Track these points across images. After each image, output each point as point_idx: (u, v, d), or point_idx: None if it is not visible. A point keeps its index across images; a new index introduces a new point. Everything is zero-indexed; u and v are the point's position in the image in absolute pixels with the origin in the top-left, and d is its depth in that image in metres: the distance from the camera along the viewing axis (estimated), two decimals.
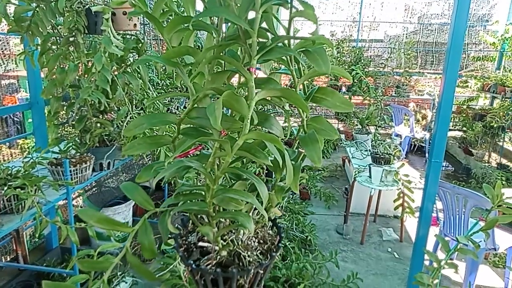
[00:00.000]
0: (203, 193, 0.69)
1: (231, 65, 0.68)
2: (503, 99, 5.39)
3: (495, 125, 5.17)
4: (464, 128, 6.16)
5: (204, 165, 0.65)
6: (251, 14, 0.63)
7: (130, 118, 2.23)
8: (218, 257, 0.68)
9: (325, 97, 0.71)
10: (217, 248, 0.69)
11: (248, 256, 0.68)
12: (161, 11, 0.75)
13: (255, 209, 0.80)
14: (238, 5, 0.61)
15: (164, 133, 1.79)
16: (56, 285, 0.58)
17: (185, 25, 0.69)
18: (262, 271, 0.68)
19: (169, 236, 0.69)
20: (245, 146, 0.62)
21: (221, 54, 0.68)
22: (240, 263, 0.68)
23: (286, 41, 0.66)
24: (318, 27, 0.66)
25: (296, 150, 0.77)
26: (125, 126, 2.22)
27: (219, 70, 0.72)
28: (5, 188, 1.69)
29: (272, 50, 0.62)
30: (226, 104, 0.60)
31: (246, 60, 0.66)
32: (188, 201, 0.69)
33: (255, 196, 0.71)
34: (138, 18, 2.14)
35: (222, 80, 0.69)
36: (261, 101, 0.72)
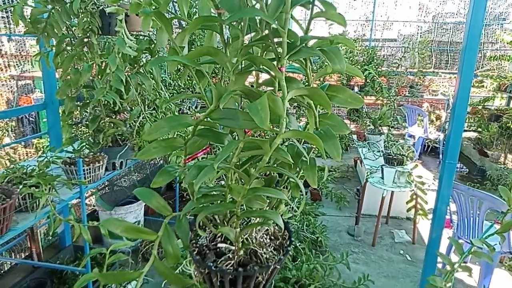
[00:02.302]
0: (223, 194, 0.69)
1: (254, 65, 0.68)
2: None
3: (511, 126, 5.07)
4: (479, 129, 6.05)
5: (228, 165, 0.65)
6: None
7: (143, 118, 2.25)
8: (236, 256, 0.68)
9: (336, 94, 0.72)
10: (233, 248, 0.69)
11: (264, 253, 0.69)
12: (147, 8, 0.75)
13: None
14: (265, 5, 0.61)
15: (175, 134, 1.80)
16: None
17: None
18: (279, 266, 0.69)
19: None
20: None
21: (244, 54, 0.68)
22: (258, 261, 0.68)
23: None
24: (346, 28, 0.66)
25: (305, 146, 0.77)
26: (138, 126, 2.24)
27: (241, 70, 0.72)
28: (20, 186, 1.72)
29: (300, 50, 0.63)
30: None
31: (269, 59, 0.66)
32: (211, 203, 0.70)
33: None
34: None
35: (244, 80, 0.70)
36: (290, 100, 0.73)
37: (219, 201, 0.71)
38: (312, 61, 0.75)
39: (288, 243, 0.73)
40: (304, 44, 0.64)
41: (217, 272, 0.66)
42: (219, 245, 0.71)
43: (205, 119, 0.66)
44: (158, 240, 0.63)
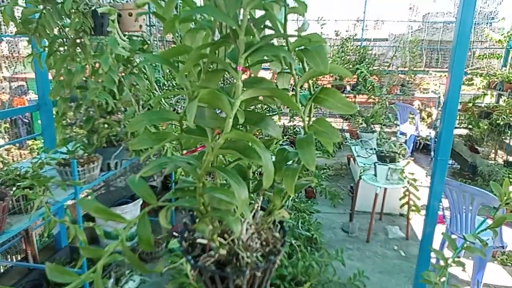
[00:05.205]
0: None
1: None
2: (510, 96, 5.35)
3: (501, 123, 5.14)
4: (470, 126, 6.12)
5: (200, 162, 0.65)
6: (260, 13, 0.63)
7: None
8: (217, 255, 0.68)
9: (327, 98, 0.69)
10: (214, 246, 0.69)
11: (247, 257, 0.67)
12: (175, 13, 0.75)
13: (263, 209, 0.80)
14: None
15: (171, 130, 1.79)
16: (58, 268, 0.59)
17: (193, 25, 0.70)
18: (260, 274, 0.67)
19: (176, 232, 0.70)
20: (239, 146, 0.61)
21: (216, 53, 0.68)
22: (238, 263, 0.67)
23: (284, 40, 0.66)
24: (306, 22, 0.65)
25: (298, 152, 0.76)
26: (127, 123, 2.24)
27: (214, 69, 0.72)
28: (14, 188, 1.71)
29: (261, 48, 0.61)
30: (209, 102, 0.61)
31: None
32: (182, 198, 0.70)
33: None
34: (144, 19, 2.15)
35: (218, 79, 0.69)
36: (257, 101, 0.72)
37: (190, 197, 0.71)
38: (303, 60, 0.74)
39: (276, 252, 0.71)
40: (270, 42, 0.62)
41: (196, 267, 0.66)
42: (198, 240, 0.71)
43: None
44: (129, 225, 0.64)
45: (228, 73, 0.69)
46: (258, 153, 0.59)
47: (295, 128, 5.94)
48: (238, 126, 0.67)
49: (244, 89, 0.62)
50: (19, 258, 2.62)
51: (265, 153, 0.59)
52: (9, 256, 2.62)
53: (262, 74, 0.80)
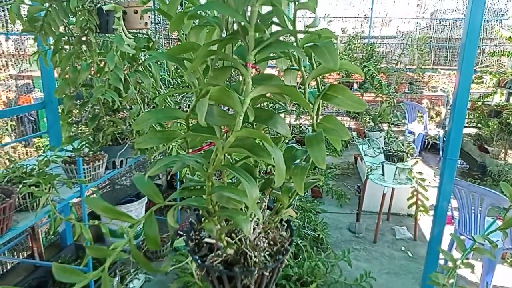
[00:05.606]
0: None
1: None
2: None
3: (511, 122, 5.06)
4: (479, 125, 6.04)
5: (208, 161, 0.64)
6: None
7: None
8: (224, 255, 0.67)
9: (336, 95, 0.67)
10: (221, 245, 0.68)
11: (255, 256, 0.67)
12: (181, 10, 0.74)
13: (269, 208, 0.79)
14: None
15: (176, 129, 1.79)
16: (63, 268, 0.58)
17: (197, 22, 0.69)
18: (267, 273, 0.67)
19: (182, 231, 0.69)
20: (248, 144, 0.60)
21: (223, 50, 0.67)
22: (246, 263, 0.67)
23: (291, 37, 0.64)
24: (318, 18, 0.63)
25: (308, 150, 0.75)
26: (133, 121, 2.24)
27: (221, 66, 0.71)
28: (20, 186, 1.71)
29: (270, 45, 0.60)
30: (219, 100, 0.59)
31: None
32: (190, 197, 0.69)
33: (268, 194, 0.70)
34: (149, 16, 2.14)
35: (226, 76, 0.68)
36: (264, 99, 0.70)
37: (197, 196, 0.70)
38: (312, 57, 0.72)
39: (284, 251, 0.71)
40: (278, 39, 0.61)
41: (203, 267, 0.66)
42: (205, 240, 0.70)
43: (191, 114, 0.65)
44: (136, 225, 0.64)
45: (234, 70, 0.68)
46: (267, 151, 0.58)
47: (301, 126, 5.91)
48: (246, 124, 0.66)
49: (253, 86, 0.61)
50: (25, 255, 2.64)
51: (276, 151, 0.58)
52: (15, 253, 2.64)
53: (267, 71, 0.78)
